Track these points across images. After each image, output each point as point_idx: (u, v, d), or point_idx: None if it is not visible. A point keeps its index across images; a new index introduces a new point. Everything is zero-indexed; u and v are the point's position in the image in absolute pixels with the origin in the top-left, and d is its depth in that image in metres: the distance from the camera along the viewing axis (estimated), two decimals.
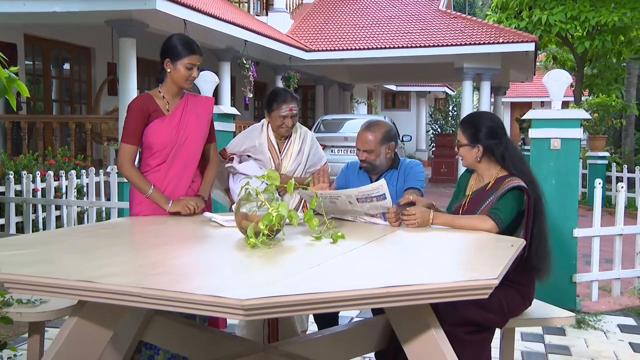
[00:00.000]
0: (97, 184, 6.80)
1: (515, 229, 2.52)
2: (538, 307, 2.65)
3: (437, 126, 22.90)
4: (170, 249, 2.20)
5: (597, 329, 4.06)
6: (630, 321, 4.25)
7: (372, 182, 2.94)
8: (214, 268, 1.86)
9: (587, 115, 4.22)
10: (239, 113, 5.51)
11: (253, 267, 1.85)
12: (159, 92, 2.88)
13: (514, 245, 2.08)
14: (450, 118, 23.16)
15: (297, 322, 3.26)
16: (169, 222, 2.67)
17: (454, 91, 25.86)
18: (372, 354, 2.99)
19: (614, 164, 10.89)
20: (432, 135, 22.98)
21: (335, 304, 1.49)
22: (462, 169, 13.97)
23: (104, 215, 6.16)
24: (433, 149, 23.40)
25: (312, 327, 3.84)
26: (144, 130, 2.83)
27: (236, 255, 2.01)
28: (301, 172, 3.31)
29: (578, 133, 4.25)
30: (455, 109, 24.76)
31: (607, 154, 11.04)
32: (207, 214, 2.76)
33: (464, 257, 1.95)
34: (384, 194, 2.45)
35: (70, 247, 2.22)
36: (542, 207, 2.54)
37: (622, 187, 4.49)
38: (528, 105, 28.27)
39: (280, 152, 3.29)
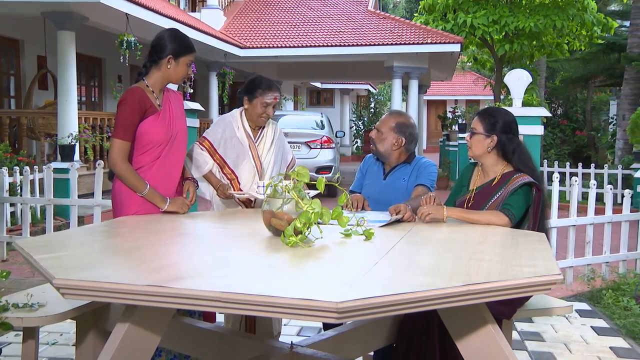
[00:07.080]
0: (35, 180, 6.53)
1: (520, 222, 2.62)
2: (537, 298, 2.76)
3: (360, 123, 23.37)
4: (209, 249, 2.16)
5: (560, 315, 4.33)
6: (585, 306, 4.57)
7: (384, 173, 3.15)
8: (274, 268, 1.83)
9: (547, 113, 4.48)
10: (203, 109, 5.40)
11: (314, 267, 1.84)
12: (147, 86, 2.75)
13: (543, 240, 2.20)
14: (371, 115, 23.71)
15: (275, 324, 3.24)
16: (176, 219, 2.62)
17: (375, 89, 26.47)
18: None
19: None
20: (355, 131, 23.48)
21: (424, 304, 1.50)
22: None
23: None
24: (357, 144, 23.97)
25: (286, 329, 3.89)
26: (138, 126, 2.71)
27: (282, 255, 1.97)
28: (273, 164, 3.25)
29: (539, 130, 4.49)
30: (377, 105, 25.42)
31: None
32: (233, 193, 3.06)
33: (507, 253, 2.02)
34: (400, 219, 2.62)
35: (104, 248, 2.14)
36: (545, 203, 2.68)
37: (576, 181, 4.79)
38: (443, 103, 29.40)
39: (254, 141, 3.24)
